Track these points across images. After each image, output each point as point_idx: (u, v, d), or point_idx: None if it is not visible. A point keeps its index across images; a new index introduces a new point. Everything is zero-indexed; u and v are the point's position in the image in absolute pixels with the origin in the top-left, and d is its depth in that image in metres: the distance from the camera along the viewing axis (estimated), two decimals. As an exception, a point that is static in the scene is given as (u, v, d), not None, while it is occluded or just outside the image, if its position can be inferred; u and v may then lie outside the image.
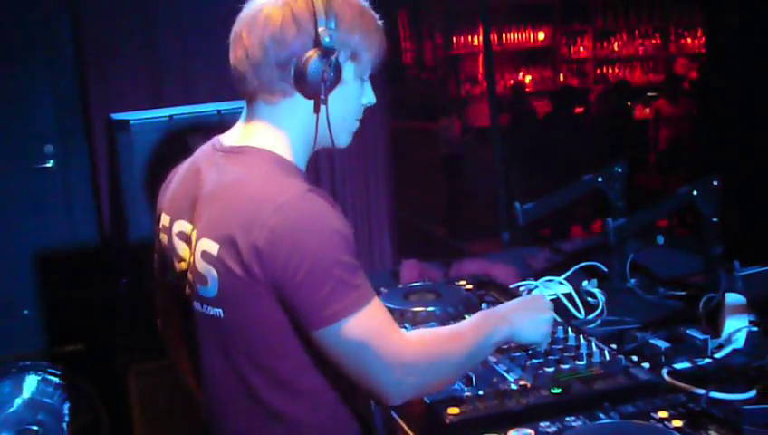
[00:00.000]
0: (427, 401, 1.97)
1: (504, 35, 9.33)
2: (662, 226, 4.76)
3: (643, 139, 7.88)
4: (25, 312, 4.33)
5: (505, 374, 2.08)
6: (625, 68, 9.52)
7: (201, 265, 1.79)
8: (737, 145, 5.08)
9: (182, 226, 1.91)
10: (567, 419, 1.88)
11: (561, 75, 9.48)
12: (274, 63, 1.80)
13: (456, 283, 2.74)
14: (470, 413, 1.91)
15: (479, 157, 7.56)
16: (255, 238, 1.68)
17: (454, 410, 1.91)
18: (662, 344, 2.30)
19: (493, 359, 2.14)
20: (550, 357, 2.13)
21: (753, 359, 2.20)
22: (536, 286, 2.69)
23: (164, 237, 1.99)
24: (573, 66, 9.59)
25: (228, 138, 1.93)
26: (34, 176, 4.29)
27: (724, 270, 2.54)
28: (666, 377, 2.12)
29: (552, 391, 1.97)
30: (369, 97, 1.95)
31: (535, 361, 2.12)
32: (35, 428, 3.82)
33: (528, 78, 9.42)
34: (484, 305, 2.49)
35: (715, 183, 2.50)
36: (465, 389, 2.00)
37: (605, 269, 2.82)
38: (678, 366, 2.18)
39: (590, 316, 2.59)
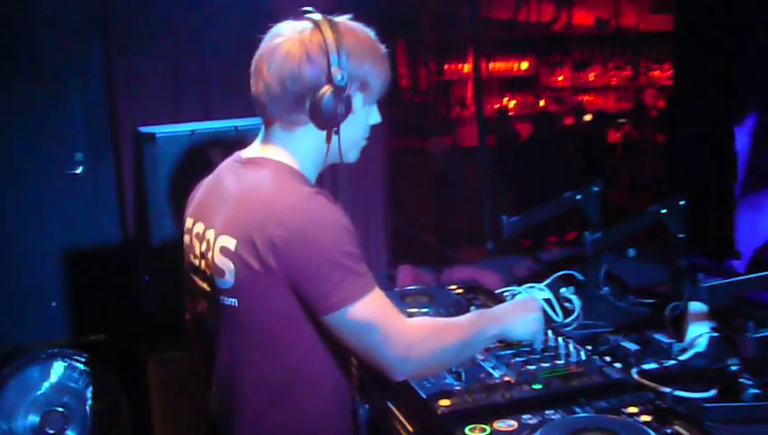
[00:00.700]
0: (423, 396, 1.96)
1: (490, 64, 9.33)
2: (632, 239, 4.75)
3: (612, 160, 7.89)
4: (53, 304, 4.29)
5: (491, 371, 2.08)
6: (599, 96, 9.53)
7: (219, 260, 1.80)
8: (698, 168, 5.09)
9: (199, 227, 1.92)
10: (547, 412, 1.87)
11: (542, 101, 9.49)
12: (292, 97, 1.81)
13: (448, 287, 2.73)
14: (460, 405, 1.91)
15: (466, 173, 7.56)
16: (271, 234, 1.70)
17: (445, 403, 1.92)
18: (632, 347, 2.30)
19: (480, 357, 2.13)
20: (532, 356, 2.13)
21: (714, 362, 2.19)
22: (519, 292, 2.68)
23: (186, 238, 1.99)
24: (553, 94, 9.61)
25: (247, 152, 1.95)
26: (65, 181, 4.26)
27: (688, 281, 2.53)
28: (635, 376, 2.12)
29: (534, 386, 1.97)
30: (376, 118, 1.96)
31: (519, 359, 2.11)
32: (61, 409, 3.80)
33: (512, 103, 9.42)
34: (472, 308, 2.49)
35: (682, 203, 2.50)
36: (456, 383, 2.01)
37: (581, 277, 2.81)
38: (646, 367, 2.19)
39: (568, 320, 2.58)
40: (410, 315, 2.38)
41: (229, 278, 1.78)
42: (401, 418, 2.10)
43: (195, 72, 4.45)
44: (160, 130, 3.02)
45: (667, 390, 2.03)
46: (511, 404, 1.91)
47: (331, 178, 4.88)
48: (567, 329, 2.52)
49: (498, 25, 9.02)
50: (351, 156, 1.97)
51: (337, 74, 1.78)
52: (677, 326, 2.39)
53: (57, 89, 4.26)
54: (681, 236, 2.52)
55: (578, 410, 1.88)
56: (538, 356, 2.13)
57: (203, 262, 1.89)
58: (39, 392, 3.80)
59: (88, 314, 4.29)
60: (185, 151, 2.93)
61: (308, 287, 1.72)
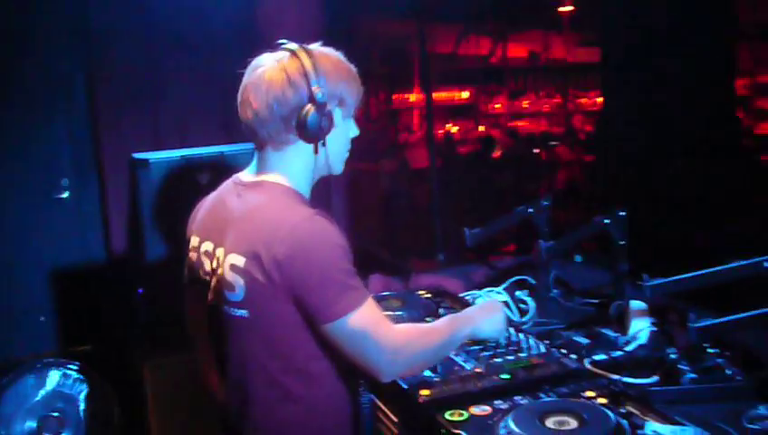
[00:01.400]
0: (404, 387, 2.02)
1: (434, 93, 9.44)
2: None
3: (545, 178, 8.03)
4: (42, 319, 4.23)
5: (463, 364, 2.14)
6: (532, 121, 9.70)
7: (230, 275, 1.84)
8: (626, 185, 5.24)
9: (208, 245, 1.96)
10: (516, 398, 1.95)
11: (482, 127, 9.62)
12: (279, 119, 1.87)
13: (417, 292, 2.79)
14: (438, 394, 1.98)
15: (416, 192, 7.63)
16: (275, 253, 1.75)
17: (425, 392, 1.99)
18: (583, 341, 2.39)
19: (453, 352, 2.19)
20: (498, 350, 2.20)
21: (654, 352, 2.26)
22: (480, 295, 2.74)
23: (193, 255, 2.03)
24: (491, 119, 9.75)
25: (246, 176, 1.99)
26: (52, 205, 4.20)
27: (631, 282, 2.59)
28: (588, 366, 2.19)
29: (502, 376, 2.05)
30: (355, 131, 2.03)
31: (487, 353, 2.19)
32: (56, 414, 3.75)
33: (455, 129, 9.55)
34: (441, 310, 2.55)
35: (622, 214, 2.59)
36: (433, 376, 2.07)
37: (533, 282, 2.87)
38: (597, 358, 2.25)
39: (525, 319, 2.64)
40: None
41: (239, 292, 1.83)
42: (385, 409, 2.15)
43: (172, 102, 4.46)
44: (153, 156, 3.04)
45: (616, 377, 2.11)
46: (483, 392, 1.98)
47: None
48: (525, 327, 2.57)
49: (441, 58, 9.14)
50: (338, 168, 2.03)
51: (317, 93, 1.84)
52: (621, 322, 2.46)
53: (43, 118, 4.19)
54: (622, 243, 2.60)
55: (543, 395, 1.96)
56: (503, 350, 2.20)
57: (213, 278, 1.92)
58: (35, 399, 3.73)
59: (74, 327, 4.24)
60: (176, 175, 2.95)
61: (308, 300, 1.77)
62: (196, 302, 2.06)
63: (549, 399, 1.94)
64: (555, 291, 2.87)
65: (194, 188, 2.87)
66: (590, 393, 1.95)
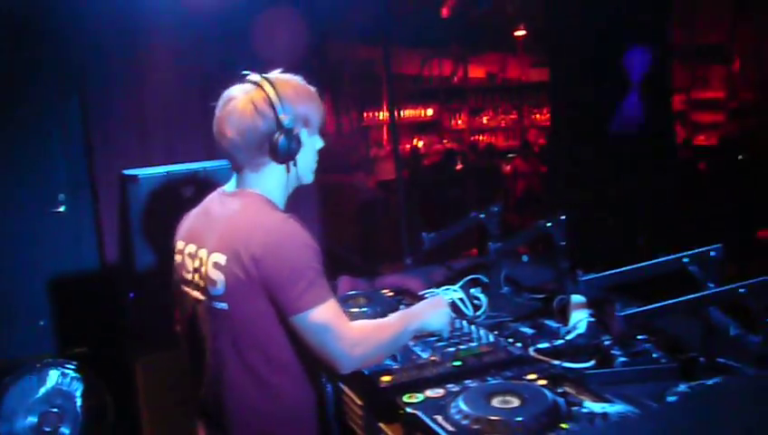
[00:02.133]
0: (366, 373, 2.09)
1: (402, 111, 9.56)
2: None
3: (504, 187, 8.13)
4: (41, 323, 4.28)
5: (420, 353, 2.21)
6: (491, 136, 9.81)
7: (213, 272, 1.91)
8: (574, 191, 5.36)
9: (191, 248, 2.03)
10: (466, 381, 2.02)
11: (445, 141, 9.72)
12: (252, 146, 1.95)
13: (381, 292, 2.87)
14: (397, 380, 2.04)
15: (385, 202, 7.71)
16: (253, 251, 1.83)
17: (386, 378, 2.05)
18: (528, 331, 2.45)
19: (411, 343, 2.26)
20: (451, 340, 2.28)
21: (591, 340, 2.31)
22: (437, 293, 2.79)
23: (178, 257, 2.09)
24: (454, 134, 9.85)
25: (228, 187, 2.07)
26: (50, 218, 4.26)
27: (572, 278, 2.64)
28: (532, 353, 2.25)
29: (455, 363, 2.11)
30: (320, 143, 2.10)
31: (441, 343, 2.26)
32: (55, 410, 3.78)
33: (420, 143, 9.64)
34: (401, 307, 2.61)
35: (563, 217, 2.68)
36: (393, 363, 2.13)
37: (486, 280, 2.93)
38: (541, 346, 2.30)
39: (478, 313, 2.70)
40: (351, 314, 2.51)
41: (221, 287, 1.89)
42: (351, 395, 2.21)
43: (159, 122, 4.52)
44: (141, 172, 3.09)
45: (557, 362, 2.18)
46: (437, 377, 2.04)
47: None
48: (477, 320, 2.63)
49: (407, 79, 9.26)
50: (309, 179, 2.11)
51: (284, 120, 1.92)
52: (563, 314, 2.52)
53: (41, 138, 4.25)
54: (563, 243, 2.67)
55: (489, 379, 2.04)
56: (456, 340, 2.28)
57: (196, 275, 1.98)
58: (36, 396, 3.76)
59: (72, 330, 4.27)
60: (161, 189, 3.01)
61: (278, 293, 1.84)
62: (181, 299, 2.12)
63: (495, 381, 2.01)
64: (506, 288, 2.93)
65: (178, 200, 2.93)
66: (531, 376, 2.02)
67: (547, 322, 2.52)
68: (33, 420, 3.75)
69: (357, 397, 2.18)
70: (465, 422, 1.76)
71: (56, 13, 4.06)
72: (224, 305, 1.91)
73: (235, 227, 1.92)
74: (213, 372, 2.02)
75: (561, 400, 1.86)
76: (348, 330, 1.90)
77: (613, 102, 5.19)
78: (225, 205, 2.01)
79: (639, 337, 2.29)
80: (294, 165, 2.00)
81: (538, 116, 9.46)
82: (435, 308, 2.15)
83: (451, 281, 2.94)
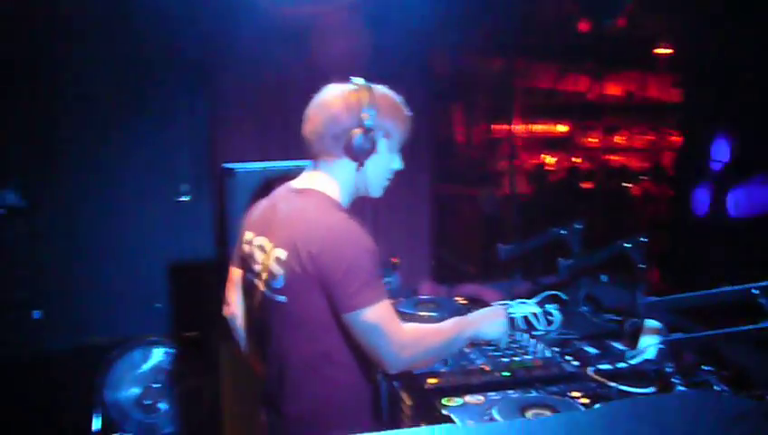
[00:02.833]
0: (416, 374, 2.16)
1: (533, 126, 9.47)
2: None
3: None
4: (158, 305, 4.51)
5: (473, 360, 2.26)
6: (625, 156, 9.56)
7: (274, 267, 2.02)
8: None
9: (261, 240, 2.14)
10: (509, 392, 2.06)
11: (576, 159, 9.56)
12: (332, 136, 2.05)
13: (454, 298, 2.92)
14: (442, 383, 2.11)
15: (508, 215, 7.67)
16: (311, 248, 1.93)
17: (432, 381, 2.12)
18: (592, 351, 2.44)
19: (468, 350, 2.32)
20: (507, 351, 2.31)
21: (657, 366, 2.27)
22: (511, 305, 2.81)
23: (246, 247, 2.22)
24: (586, 152, 9.67)
25: (296, 183, 2.18)
26: (174, 206, 4.51)
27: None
28: (590, 373, 2.26)
29: (503, 373, 2.15)
30: (398, 164, 2.18)
31: (497, 353, 2.30)
32: (156, 386, 4.07)
33: (550, 159, 9.53)
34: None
35: (643, 239, 2.64)
36: (443, 367, 2.19)
37: (565, 297, 2.93)
38: (601, 367, 2.30)
39: (550, 328, 2.71)
40: (420, 318, 2.59)
41: (281, 280, 2.01)
42: (402, 394, 2.29)
43: (276, 121, 4.73)
44: (239, 166, 3.24)
45: (613, 384, 2.18)
46: (482, 385, 2.10)
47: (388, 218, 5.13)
48: (548, 336, 2.64)
49: (541, 93, 9.17)
50: (376, 192, 2.19)
51: (366, 120, 2.02)
52: (633, 338, 2.49)
53: (169, 132, 4.52)
54: (642, 266, 2.64)
55: (533, 392, 2.06)
56: (511, 352, 2.31)
57: (263, 268, 2.10)
58: (140, 371, 4.07)
59: (185, 314, 4.49)
60: (257, 184, 3.16)
61: (333, 291, 1.93)
62: (250, 290, 2.24)
63: (536, 395, 2.03)
64: (585, 307, 2.92)
65: (268, 195, 3.05)
66: (575, 394, 2.04)
67: (614, 344, 2.51)
68: (135, 391, 4.05)
69: (407, 397, 2.25)
70: (493, 430, 1.79)
71: (184, 11, 4.31)
72: (283, 299, 2.02)
73: (296, 224, 2.03)
74: (273, 361, 2.14)
75: (597, 418, 1.86)
76: (398, 331, 1.96)
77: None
78: (291, 201, 2.12)
79: (705, 368, 2.24)
80: (363, 166, 2.08)
81: (676, 138, 9.14)
82: (492, 318, 2.18)
83: (531, 295, 2.95)
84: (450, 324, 2.13)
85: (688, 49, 5.85)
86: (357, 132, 2.03)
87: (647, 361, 2.37)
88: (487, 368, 2.20)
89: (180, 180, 4.58)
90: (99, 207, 4.48)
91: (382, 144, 2.10)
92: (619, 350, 2.45)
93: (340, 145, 2.06)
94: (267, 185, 3.19)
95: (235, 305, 2.36)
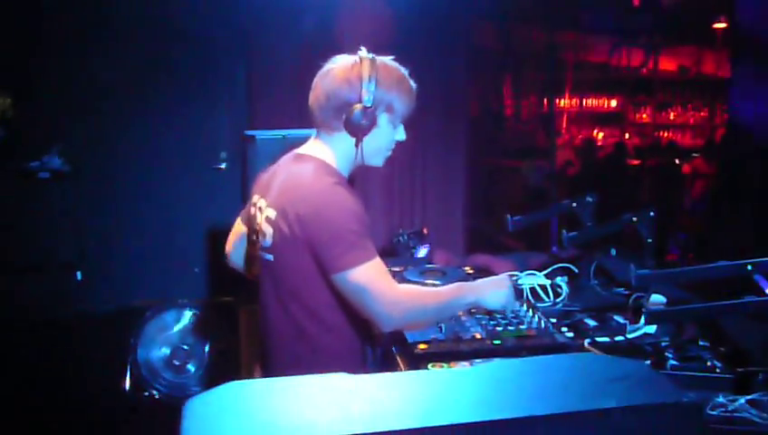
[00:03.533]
0: (409, 340, 2.20)
1: (584, 100, 9.36)
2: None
3: (682, 189, 7.78)
4: (196, 270, 4.66)
5: (468, 328, 2.29)
6: (677, 133, 9.38)
7: (264, 226, 2.09)
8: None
9: (261, 202, 2.19)
10: (495, 359, 2.06)
11: (627, 135, 9.42)
12: (332, 109, 2.07)
13: (462, 268, 2.94)
14: (432, 349, 2.14)
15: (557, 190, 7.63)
16: (298, 209, 1.98)
17: (423, 346, 2.16)
18: (592, 323, 2.45)
19: (464, 318, 2.35)
20: (502, 321, 2.34)
21: (658, 341, 2.27)
22: (520, 276, 2.82)
23: (252, 210, 2.26)
24: (637, 128, 9.52)
25: (301, 149, 2.22)
26: (213, 174, 4.60)
27: None
28: (586, 345, 2.26)
29: (494, 342, 2.18)
30: (401, 135, 2.18)
31: (492, 322, 2.33)
32: (186, 347, 4.19)
33: (600, 135, 9.41)
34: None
35: (652, 214, 2.62)
36: (436, 334, 2.23)
37: (576, 270, 2.93)
38: (599, 339, 2.31)
39: (557, 301, 2.72)
40: (423, 285, 2.63)
41: (269, 239, 2.07)
42: (398, 358, 2.33)
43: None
44: (260, 133, 3.31)
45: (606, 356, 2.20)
46: (471, 352, 2.12)
47: (422, 192, 5.16)
48: (554, 308, 2.66)
49: (593, 67, 9.04)
50: (376, 161, 2.19)
51: (365, 96, 2.04)
52: (637, 312, 2.49)
53: (209, 98, 4.64)
54: (650, 240, 2.62)
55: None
56: (506, 321, 2.33)
57: (258, 226, 2.17)
58: (171, 332, 4.21)
59: (222, 280, 4.42)
60: (278, 151, 3.21)
61: (321, 253, 1.97)
62: (252, 250, 2.32)
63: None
64: (595, 281, 2.91)
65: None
66: (560, 362, 2.04)
67: (616, 317, 2.50)
68: (166, 351, 4.19)
69: (401, 362, 2.29)
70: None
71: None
72: (270, 257, 2.08)
73: (288, 187, 2.08)
74: (264, 320, 2.20)
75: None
76: (389, 290, 1.99)
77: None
78: (289, 166, 2.17)
79: (701, 343, 2.23)
80: (361, 142, 2.10)
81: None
82: (495, 287, 2.17)
83: (542, 268, 2.95)
84: (449, 288, 2.15)
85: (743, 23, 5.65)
86: (356, 108, 2.04)
87: (646, 334, 2.37)
88: (479, 336, 2.23)
89: (219, 148, 4.66)
90: (139, 173, 4.64)
91: (383, 118, 2.10)
92: (620, 323, 2.44)
93: (340, 118, 2.07)
94: (288, 151, 3.27)
95: (230, 244, 2.47)
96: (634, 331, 2.39)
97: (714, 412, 1.89)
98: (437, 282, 2.68)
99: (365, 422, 0.89)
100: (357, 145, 2.11)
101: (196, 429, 0.92)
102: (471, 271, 2.90)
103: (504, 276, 2.28)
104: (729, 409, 1.90)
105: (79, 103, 4.53)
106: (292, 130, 3.41)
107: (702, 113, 9.31)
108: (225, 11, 4.59)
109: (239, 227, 2.46)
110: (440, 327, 2.25)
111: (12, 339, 4.14)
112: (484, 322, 2.34)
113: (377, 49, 2.16)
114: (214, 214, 4.55)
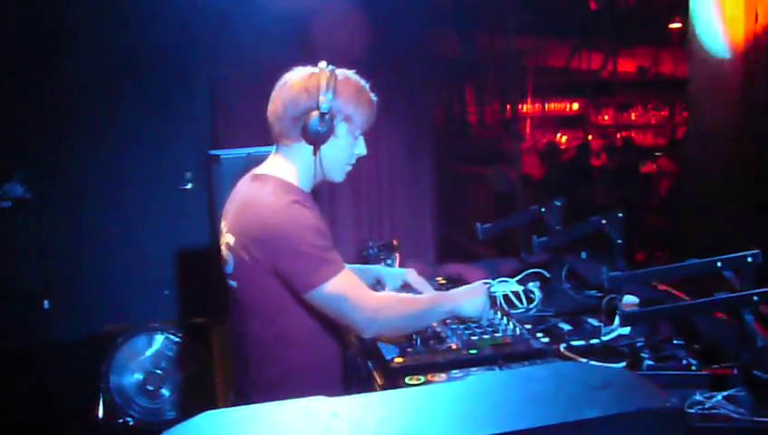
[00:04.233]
0: (386, 356, 2.16)
1: (546, 104, 9.43)
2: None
3: (647, 188, 7.86)
4: (166, 292, 4.56)
5: (444, 339, 2.26)
6: (639, 133, 9.48)
7: (225, 252, 2.06)
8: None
9: (223, 226, 2.16)
10: (472, 369, 2.06)
11: (590, 137, 9.49)
12: (290, 118, 2.05)
13: (435, 279, 2.91)
14: (408, 362, 2.11)
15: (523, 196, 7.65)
16: (256, 234, 1.95)
17: (398, 360, 2.12)
18: (566, 327, 2.44)
19: (439, 328, 2.33)
20: (477, 330, 2.32)
21: (634, 342, 2.26)
22: (492, 284, 2.79)
23: (219, 236, 2.24)
24: (600, 130, 9.60)
25: (258, 169, 2.18)
26: (178, 194, 4.55)
27: None
28: (562, 349, 2.25)
29: (470, 351, 2.16)
30: (361, 149, 2.16)
31: (467, 331, 2.31)
32: (159, 372, 4.12)
33: (564, 138, 9.48)
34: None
35: (620, 215, 2.63)
36: (411, 346, 2.19)
37: (548, 275, 2.92)
38: (574, 343, 2.29)
39: (530, 306, 2.71)
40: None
41: (231, 266, 2.04)
42: (374, 374, 2.30)
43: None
44: (224, 152, 3.28)
45: (584, 360, 2.18)
46: (447, 363, 2.09)
47: (390, 201, 5.15)
48: (528, 314, 2.65)
49: (554, 72, 9.13)
50: (336, 177, 2.17)
51: (323, 102, 2.02)
52: (611, 314, 2.47)
53: (172, 118, 4.58)
54: (619, 241, 2.63)
55: (496, 369, 2.06)
56: (480, 330, 2.32)
57: (222, 253, 2.14)
58: (143, 357, 4.14)
59: (193, 301, 4.51)
60: (242, 170, 3.18)
61: (289, 273, 1.95)
62: (222, 276, 2.29)
63: (498, 372, 2.04)
64: (567, 285, 2.91)
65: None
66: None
67: (590, 320, 2.50)
68: (139, 377, 4.11)
69: (378, 376, 2.26)
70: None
71: (192, 8, 4.35)
72: (233, 283, 2.06)
73: (244, 210, 2.04)
74: (234, 345, 2.18)
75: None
76: (365, 297, 1.99)
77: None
78: (247, 187, 2.13)
79: (675, 341, 2.24)
80: (319, 151, 2.06)
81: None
82: (471, 295, 2.19)
83: (515, 274, 2.94)
84: (426, 296, 2.18)
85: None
86: (313, 115, 2.01)
87: (621, 336, 2.36)
88: (455, 346, 2.21)
89: (184, 168, 4.60)
90: (104, 197, 4.55)
91: (342, 128, 2.08)
92: (594, 326, 2.44)
93: (298, 128, 2.05)
94: (247, 170, 3.24)
95: None
96: (609, 333, 2.38)
97: (692, 410, 1.89)
98: (407, 294, 2.63)
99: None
100: (315, 153, 2.07)
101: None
102: (443, 281, 2.88)
103: (479, 284, 2.28)
104: (707, 406, 1.90)
105: (39, 130, 4.46)
106: (255, 147, 3.39)
107: (663, 113, 9.43)
108: (184, 31, 4.54)
109: None
110: (415, 340, 2.23)
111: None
112: (459, 331, 2.32)
113: (341, 62, 2.15)
114: (182, 235, 4.56)
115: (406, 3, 4.90)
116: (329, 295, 1.95)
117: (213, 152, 3.27)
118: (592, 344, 2.32)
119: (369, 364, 2.33)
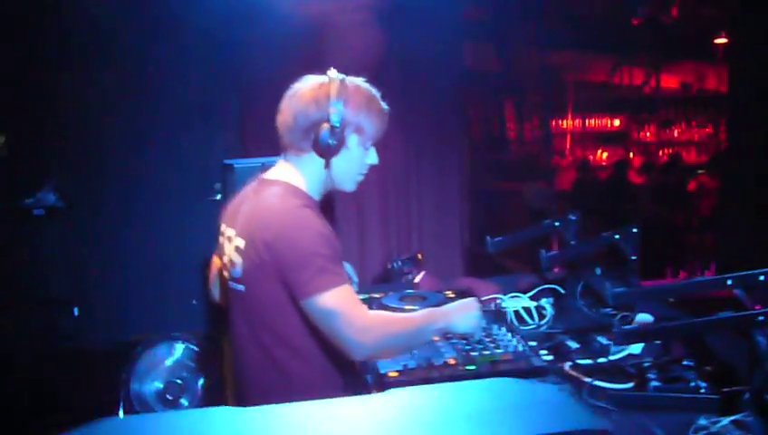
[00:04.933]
0: (380, 370, 2.10)
1: (587, 120, 9.27)
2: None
3: (689, 206, 7.66)
4: (194, 302, 4.55)
5: (442, 353, 2.20)
6: (682, 150, 9.25)
7: (233, 255, 2.04)
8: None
9: (229, 231, 2.15)
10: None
11: (631, 154, 9.31)
12: (300, 129, 2.03)
13: (444, 292, 2.85)
14: (403, 377, 2.05)
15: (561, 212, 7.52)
16: (266, 236, 1.93)
17: (393, 374, 2.07)
18: (573, 345, 2.35)
19: (439, 343, 2.27)
20: (478, 345, 2.24)
21: (642, 362, 2.19)
22: (503, 299, 2.74)
23: (221, 239, 2.23)
24: (641, 147, 9.41)
25: (267, 174, 2.16)
26: (207, 205, 4.46)
27: None
28: (565, 368, 2.18)
29: (467, 367, 2.09)
30: (373, 159, 2.14)
31: (467, 347, 2.24)
32: (179, 381, 4.11)
33: (605, 154, 9.31)
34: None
35: (635, 230, 2.53)
36: (408, 361, 2.13)
37: (563, 291, 2.83)
38: (581, 361, 2.22)
39: (541, 323, 2.62)
40: (402, 311, 2.54)
41: (239, 269, 2.02)
42: (373, 387, 2.24)
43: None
44: (238, 162, 3.27)
45: (588, 380, 2.09)
46: (442, 378, 2.02)
47: (418, 210, 5.08)
48: (539, 331, 2.56)
49: (595, 87, 8.98)
50: (347, 186, 2.14)
51: (333, 115, 1.99)
52: (623, 332, 2.41)
53: (203, 130, 4.63)
54: (634, 257, 2.54)
55: (491, 385, 1.99)
56: (481, 346, 2.24)
57: (227, 257, 2.12)
58: (164, 366, 4.13)
59: (219, 311, 4.56)
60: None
61: (290, 277, 1.92)
62: (222, 281, 2.26)
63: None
64: (581, 301, 2.81)
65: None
66: (533, 386, 1.95)
67: (600, 338, 2.39)
68: (159, 386, 4.11)
69: (376, 391, 2.20)
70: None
71: (221, 20, 4.37)
72: (241, 287, 2.03)
73: (255, 213, 2.03)
74: (236, 348, 2.14)
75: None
76: (359, 316, 1.93)
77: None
78: (258, 192, 2.11)
79: (686, 362, 2.13)
80: (330, 163, 2.04)
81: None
82: (464, 311, 2.13)
83: (529, 290, 2.86)
84: (421, 314, 2.09)
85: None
86: (324, 128, 1.99)
87: (630, 356, 2.28)
88: (453, 361, 2.14)
89: (213, 179, 4.57)
90: (134, 206, 4.61)
91: (353, 140, 2.05)
92: (603, 344, 2.34)
93: (308, 139, 2.03)
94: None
95: (211, 279, 2.43)
96: (618, 352, 2.30)
97: (694, 435, 1.80)
98: (416, 307, 2.58)
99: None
100: (326, 166, 2.05)
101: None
102: (452, 295, 2.81)
103: (471, 300, 2.22)
104: (712, 431, 1.80)
105: (72, 139, 4.52)
106: (269, 157, 3.37)
107: (706, 130, 9.21)
108: (215, 42, 4.57)
109: (216, 261, 2.39)
110: (412, 353, 2.16)
111: (9, 375, 4.07)
112: (459, 346, 2.25)
113: (368, 75, 2.12)
114: (209, 245, 4.53)
115: (441, 16, 4.83)
116: (322, 308, 1.90)
117: (227, 161, 3.25)
118: (599, 363, 2.24)
119: (368, 378, 2.28)
